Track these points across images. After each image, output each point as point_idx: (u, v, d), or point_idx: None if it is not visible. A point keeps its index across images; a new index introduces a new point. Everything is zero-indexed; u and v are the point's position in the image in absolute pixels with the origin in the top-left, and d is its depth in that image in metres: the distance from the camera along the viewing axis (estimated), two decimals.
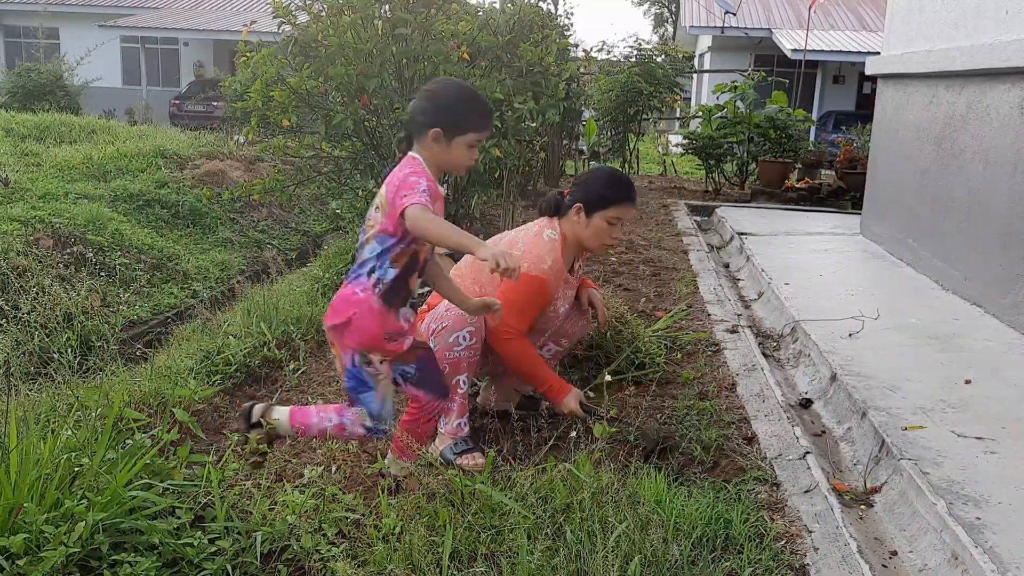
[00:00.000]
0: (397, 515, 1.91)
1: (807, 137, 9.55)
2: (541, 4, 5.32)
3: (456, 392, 2.29)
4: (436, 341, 2.26)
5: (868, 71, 5.57)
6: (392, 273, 1.97)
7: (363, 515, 1.95)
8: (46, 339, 3.20)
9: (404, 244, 1.96)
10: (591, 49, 9.23)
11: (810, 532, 1.93)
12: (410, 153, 2.05)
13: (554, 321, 2.52)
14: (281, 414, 2.20)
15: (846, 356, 3.01)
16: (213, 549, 1.74)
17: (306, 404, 2.74)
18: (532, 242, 2.36)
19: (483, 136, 2.08)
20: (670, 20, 33.91)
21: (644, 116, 8.92)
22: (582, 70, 8.65)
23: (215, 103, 15.63)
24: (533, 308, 2.34)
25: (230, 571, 1.71)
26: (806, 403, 2.84)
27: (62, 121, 9.80)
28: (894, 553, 1.92)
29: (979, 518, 1.89)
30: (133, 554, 1.66)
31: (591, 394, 2.69)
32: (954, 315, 3.65)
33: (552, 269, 2.33)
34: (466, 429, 2.35)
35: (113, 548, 1.67)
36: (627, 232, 5.89)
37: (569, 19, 7.33)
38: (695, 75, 20.05)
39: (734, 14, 17.41)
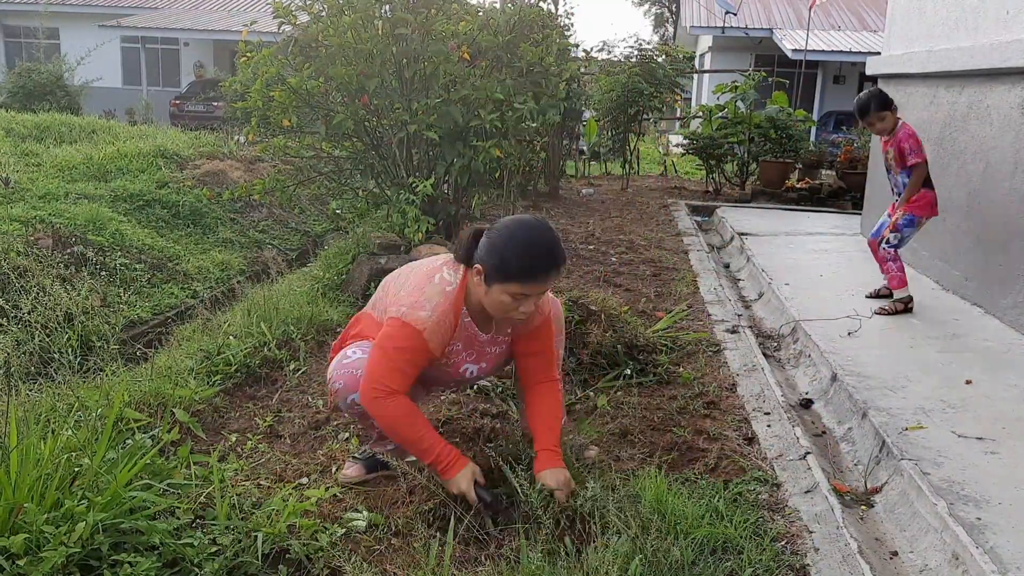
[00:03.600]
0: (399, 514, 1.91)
1: (807, 137, 9.55)
2: (541, 4, 5.31)
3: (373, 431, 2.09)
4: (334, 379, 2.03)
5: (869, 71, 5.57)
6: None
7: (366, 515, 1.96)
8: (46, 339, 3.20)
9: None
10: (591, 49, 9.24)
11: (810, 532, 1.93)
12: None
13: (456, 376, 2.08)
14: None
15: (846, 356, 3.01)
16: (213, 549, 1.74)
17: (306, 404, 2.74)
18: (419, 282, 1.95)
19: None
20: (670, 20, 33.90)
21: (645, 116, 8.92)
22: (582, 70, 8.65)
23: (215, 103, 15.63)
24: (405, 363, 1.89)
25: (230, 571, 1.71)
26: (806, 403, 2.84)
27: (62, 121, 9.80)
28: (895, 553, 1.91)
29: (980, 518, 1.89)
30: (133, 554, 1.66)
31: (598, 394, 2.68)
32: (954, 315, 3.65)
33: (433, 320, 1.88)
34: (383, 445, 2.12)
35: (113, 548, 1.67)
36: (628, 232, 5.89)
37: (569, 19, 7.33)
38: (695, 75, 20.05)
39: (734, 14, 17.40)
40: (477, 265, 1.88)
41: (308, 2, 4.35)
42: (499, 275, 1.84)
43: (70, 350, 2.90)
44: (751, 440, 2.44)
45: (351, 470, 2.19)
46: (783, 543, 1.88)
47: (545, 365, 2.08)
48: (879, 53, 5.80)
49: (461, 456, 1.93)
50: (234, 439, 2.43)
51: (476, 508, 1.90)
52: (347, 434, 2.49)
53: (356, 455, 2.25)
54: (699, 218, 6.94)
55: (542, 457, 1.98)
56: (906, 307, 3.62)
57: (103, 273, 5.06)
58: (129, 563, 1.63)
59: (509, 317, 1.92)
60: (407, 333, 1.88)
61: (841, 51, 16.48)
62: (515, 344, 2.08)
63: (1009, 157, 3.59)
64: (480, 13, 4.89)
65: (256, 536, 1.78)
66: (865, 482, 2.24)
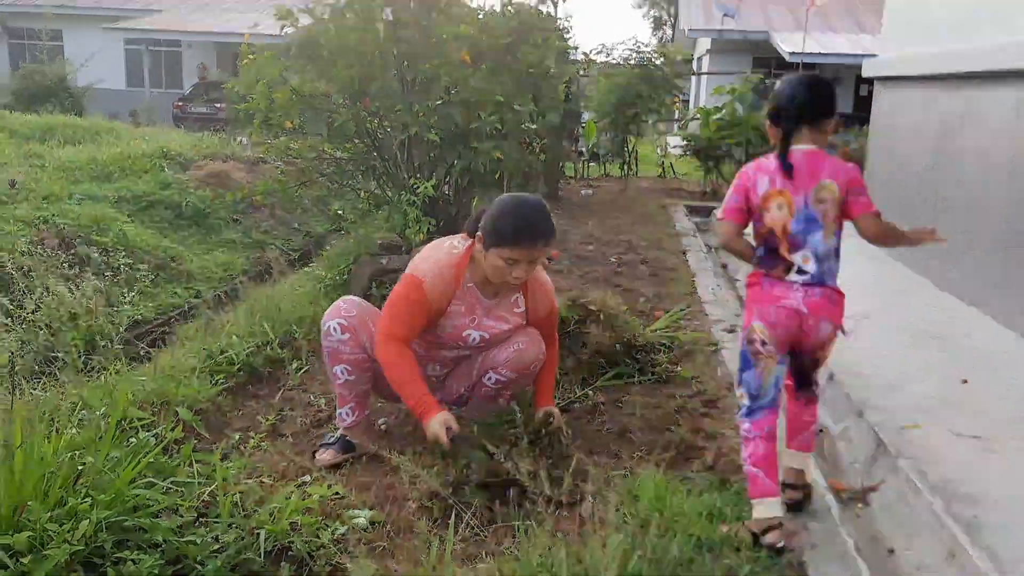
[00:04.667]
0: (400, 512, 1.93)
1: None
2: (541, 7, 5.33)
3: (335, 382, 2.33)
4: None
5: (865, 73, 5.58)
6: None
7: (368, 512, 1.97)
8: (51, 338, 3.23)
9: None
10: (590, 52, 9.26)
11: (808, 530, 1.95)
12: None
13: (459, 340, 2.26)
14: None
15: (844, 356, 3.02)
16: (216, 546, 1.75)
17: (308, 403, 2.76)
18: (431, 247, 2.27)
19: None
20: (669, 23, 33.94)
21: (643, 118, 8.93)
22: (582, 73, 8.67)
23: (218, 105, 15.65)
24: (407, 313, 2.14)
25: (233, 569, 1.73)
26: None
27: (66, 123, 9.84)
28: (891, 551, 1.93)
29: (976, 516, 1.90)
30: (136, 552, 1.67)
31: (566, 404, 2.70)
32: (952, 315, 3.66)
33: (433, 272, 2.15)
34: (347, 420, 2.33)
35: (116, 546, 1.68)
36: (627, 233, 5.91)
37: (568, 22, 7.36)
38: (694, 77, 20.06)
39: (732, 17, 17.42)
40: (478, 233, 2.14)
41: (310, 5, 4.37)
42: (492, 240, 2.10)
43: (74, 349, 2.92)
44: None
45: (325, 455, 2.30)
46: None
47: (549, 341, 2.39)
48: (876, 56, 5.81)
49: (437, 404, 2.13)
50: (237, 437, 2.45)
51: (453, 450, 2.09)
52: None
53: (326, 440, 2.37)
54: (697, 219, 6.95)
55: (541, 402, 2.38)
56: (773, 547, 1.79)
57: (107, 273, 5.09)
58: (132, 560, 1.64)
59: (505, 282, 2.16)
60: (408, 283, 2.16)
61: (838, 54, 16.49)
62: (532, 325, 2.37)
63: (1005, 158, 3.61)
64: (481, 16, 4.91)
65: (258, 533, 1.79)
66: (862, 480, 2.25)
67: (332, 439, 2.36)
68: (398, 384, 2.13)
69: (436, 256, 2.20)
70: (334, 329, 2.25)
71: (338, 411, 2.37)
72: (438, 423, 2.06)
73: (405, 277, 2.18)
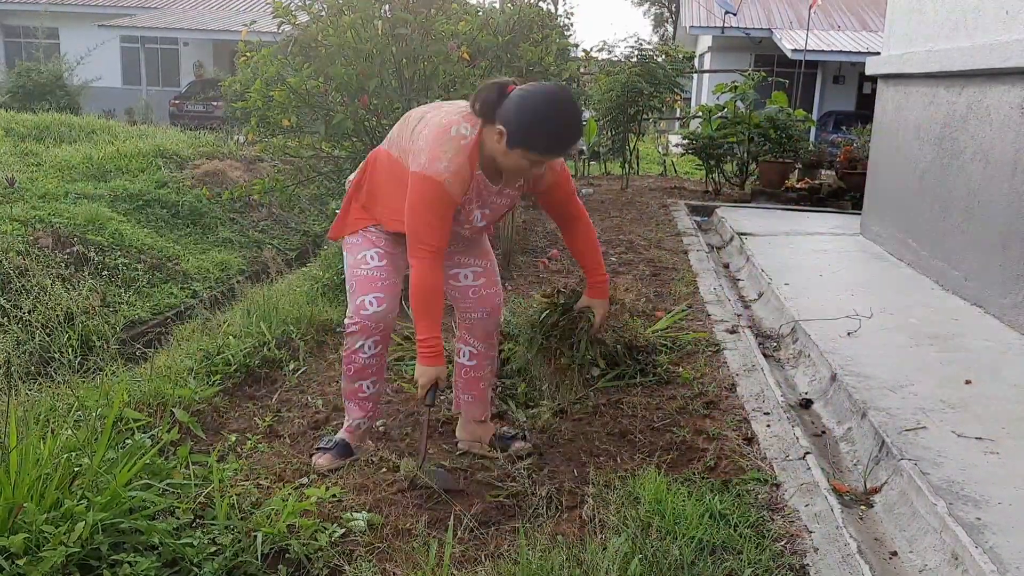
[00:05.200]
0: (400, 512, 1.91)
1: (807, 137, 9.55)
2: (541, 4, 5.31)
3: (357, 395, 2.27)
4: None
5: (868, 71, 5.57)
6: None
7: (366, 515, 1.96)
8: (46, 339, 3.20)
9: None
10: (591, 49, 9.23)
11: (810, 532, 1.93)
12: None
13: (468, 223, 2.17)
14: None
15: (846, 356, 3.01)
16: (213, 549, 1.74)
17: (305, 404, 2.74)
18: (435, 136, 2.00)
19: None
20: (670, 20, 33.91)
21: (644, 116, 8.91)
22: (582, 70, 8.65)
23: (215, 103, 15.63)
24: (435, 215, 2.01)
25: (230, 571, 1.71)
26: (806, 403, 2.84)
27: (62, 121, 9.80)
28: (894, 553, 1.92)
29: (979, 518, 1.89)
30: (133, 554, 1.66)
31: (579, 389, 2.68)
32: (954, 315, 3.65)
33: (450, 171, 1.97)
34: (361, 428, 2.31)
35: (113, 548, 1.67)
36: (627, 232, 5.89)
37: (569, 19, 7.34)
38: (695, 75, 20.05)
39: (734, 14, 17.40)
40: (500, 127, 1.94)
41: (308, 2, 4.34)
42: (521, 142, 1.93)
43: (70, 350, 2.90)
44: (751, 440, 2.45)
45: (322, 459, 2.26)
46: (782, 543, 1.89)
47: (574, 206, 2.30)
48: (879, 53, 5.80)
49: (441, 356, 2.05)
50: (234, 439, 2.44)
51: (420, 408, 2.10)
52: None
53: (322, 445, 2.32)
54: (698, 218, 6.93)
55: (593, 288, 2.34)
56: None
57: (103, 273, 5.06)
58: (129, 563, 1.63)
59: (522, 178, 2.08)
60: (429, 186, 1.98)
61: (841, 51, 16.49)
62: (542, 198, 2.27)
63: (1008, 157, 3.60)
64: (480, 13, 4.89)
65: (256, 536, 1.78)
66: (864, 482, 2.24)
67: (330, 443, 2.31)
68: (420, 311, 2.02)
69: (447, 151, 1.97)
70: (368, 347, 2.16)
71: (352, 420, 2.30)
72: (426, 376, 2.03)
73: (423, 179, 1.97)
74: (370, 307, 2.14)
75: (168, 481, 1.91)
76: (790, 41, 16.36)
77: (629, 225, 6.28)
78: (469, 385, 2.40)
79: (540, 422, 2.54)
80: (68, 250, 5.07)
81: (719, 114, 8.47)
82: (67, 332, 3.27)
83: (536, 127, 1.92)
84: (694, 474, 2.19)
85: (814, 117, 14.38)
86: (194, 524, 1.82)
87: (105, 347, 2.91)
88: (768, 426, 2.54)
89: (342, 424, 2.53)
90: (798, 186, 7.87)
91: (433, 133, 2.01)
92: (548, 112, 1.92)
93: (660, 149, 12.79)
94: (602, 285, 2.34)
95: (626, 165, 9.05)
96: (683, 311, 3.69)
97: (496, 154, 2.00)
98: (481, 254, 2.33)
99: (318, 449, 2.32)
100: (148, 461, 1.89)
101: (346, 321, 2.19)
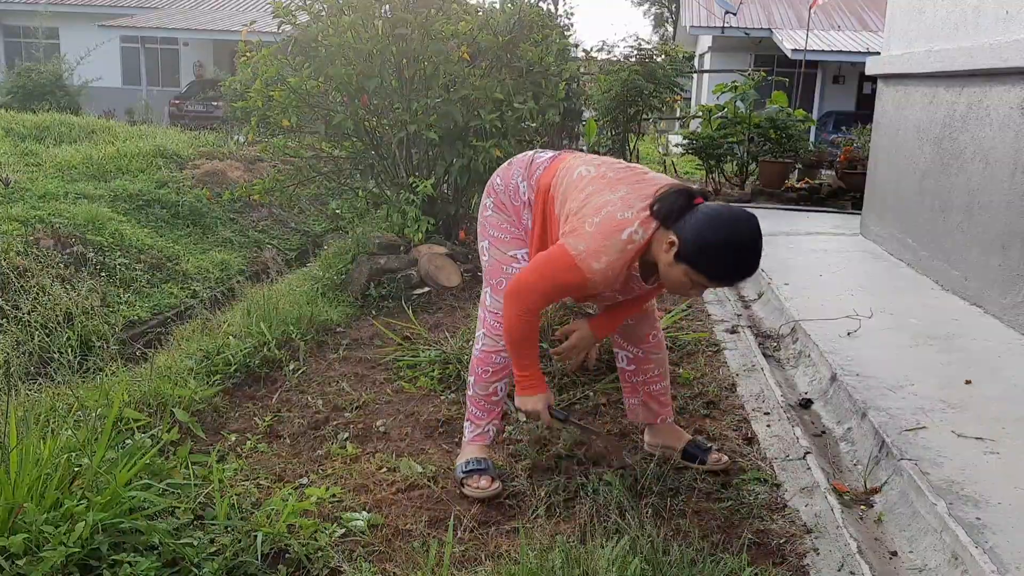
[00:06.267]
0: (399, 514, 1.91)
1: (807, 137, 9.55)
2: (541, 4, 5.31)
3: (490, 399, 2.19)
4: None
5: (868, 71, 5.57)
6: None
7: (366, 515, 1.95)
8: (46, 339, 3.20)
9: None
10: (591, 49, 9.23)
11: (810, 532, 1.93)
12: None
13: (597, 300, 2.15)
14: None
15: (846, 356, 3.01)
16: (213, 549, 1.74)
17: (306, 404, 2.74)
18: (605, 231, 1.84)
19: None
20: (670, 20, 33.90)
21: (644, 116, 8.91)
22: (582, 70, 8.65)
23: (215, 103, 15.63)
24: (557, 294, 1.99)
25: (229, 571, 1.71)
26: (806, 403, 2.84)
27: (62, 121, 9.80)
28: (894, 553, 1.91)
29: (979, 518, 1.89)
30: (133, 554, 1.66)
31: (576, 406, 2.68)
32: (954, 315, 3.65)
33: (602, 272, 1.85)
34: (491, 434, 2.22)
35: (113, 548, 1.67)
36: None
37: (569, 19, 7.33)
38: (695, 75, 20.05)
39: (734, 14, 17.41)
40: (673, 237, 1.81)
41: (308, 2, 4.35)
42: (693, 264, 1.80)
43: (70, 350, 2.90)
44: (751, 440, 2.45)
45: (482, 481, 2.12)
46: (783, 543, 1.89)
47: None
48: (879, 53, 5.80)
49: (541, 384, 2.03)
50: (233, 439, 2.44)
51: (555, 426, 2.14)
52: (346, 435, 2.49)
53: (470, 468, 2.16)
54: None
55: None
56: None
57: (103, 273, 5.06)
58: (128, 563, 1.63)
59: (677, 293, 1.97)
60: (572, 274, 1.87)
61: (841, 51, 16.49)
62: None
63: (1009, 157, 3.60)
64: (480, 13, 4.89)
65: (255, 536, 1.78)
66: (865, 482, 2.24)
67: (480, 465, 2.14)
68: (516, 343, 1.98)
69: (612, 253, 1.84)
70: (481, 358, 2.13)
71: (482, 427, 2.20)
72: (541, 402, 2.01)
73: (571, 265, 1.85)
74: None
75: (168, 481, 1.91)
76: (790, 41, 16.36)
77: None
78: (633, 390, 2.32)
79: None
80: (68, 250, 5.07)
81: (719, 114, 8.47)
82: (67, 332, 3.28)
83: (713, 252, 1.79)
84: (695, 474, 2.19)
85: (814, 117, 14.37)
86: (194, 524, 1.82)
87: (105, 347, 2.91)
88: (768, 426, 2.54)
89: (341, 424, 2.53)
90: (798, 186, 7.87)
91: (604, 226, 1.85)
92: (731, 240, 1.79)
93: (660, 149, 12.78)
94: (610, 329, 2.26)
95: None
96: (683, 311, 3.69)
97: (659, 260, 1.86)
98: None
99: (465, 474, 2.13)
100: (148, 461, 1.89)
101: (488, 320, 2.14)
